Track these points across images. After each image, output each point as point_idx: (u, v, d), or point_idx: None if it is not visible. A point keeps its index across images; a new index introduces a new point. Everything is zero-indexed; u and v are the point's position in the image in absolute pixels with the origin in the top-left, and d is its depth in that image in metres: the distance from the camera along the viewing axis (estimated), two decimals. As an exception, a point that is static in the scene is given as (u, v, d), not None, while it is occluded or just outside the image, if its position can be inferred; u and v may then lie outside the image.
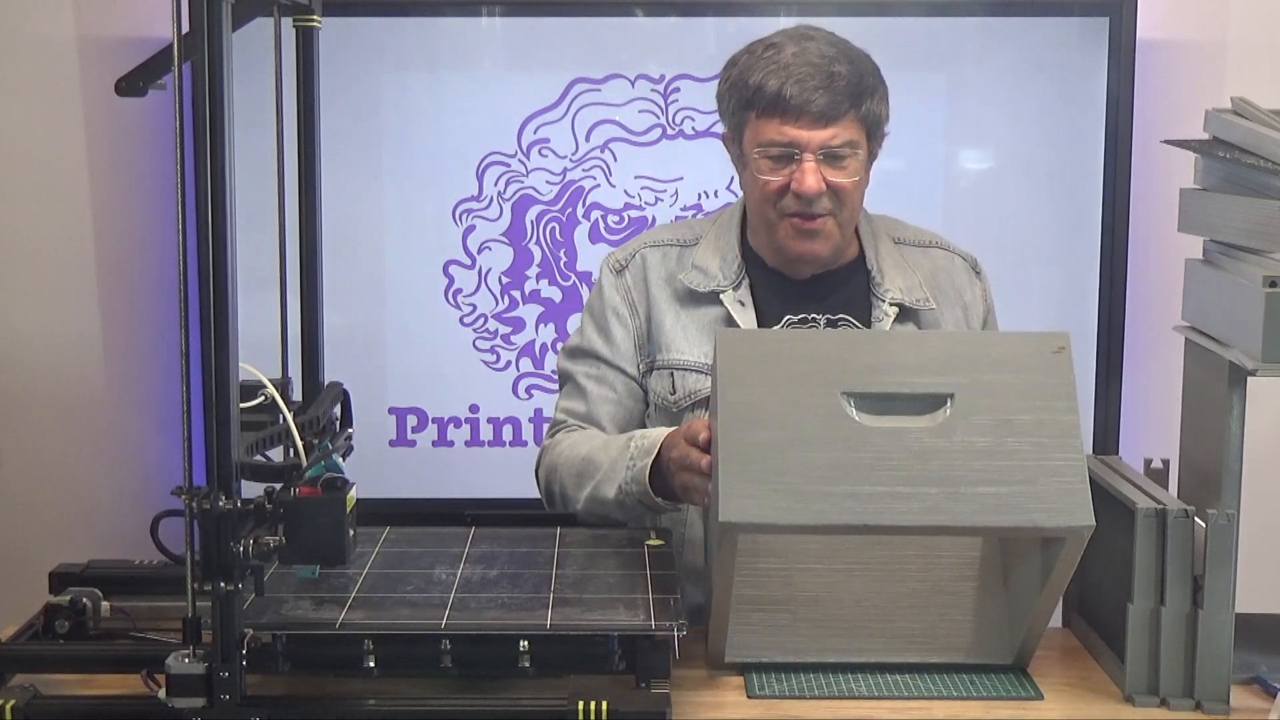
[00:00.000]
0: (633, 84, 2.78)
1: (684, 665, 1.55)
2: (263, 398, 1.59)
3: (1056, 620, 1.75)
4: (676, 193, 2.81)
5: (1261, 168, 1.57)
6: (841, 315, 1.94)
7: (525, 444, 2.84)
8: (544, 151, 2.80)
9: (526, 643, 1.49)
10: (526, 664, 1.49)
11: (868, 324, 1.93)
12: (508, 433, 2.86)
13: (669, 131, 2.79)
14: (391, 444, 2.86)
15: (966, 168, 2.84)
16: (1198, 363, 1.68)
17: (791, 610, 1.66)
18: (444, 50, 2.78)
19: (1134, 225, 2.76)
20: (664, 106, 2.78)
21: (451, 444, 2.86)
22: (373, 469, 2.74)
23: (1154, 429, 2.79)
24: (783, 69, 1.82)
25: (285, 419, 1.55)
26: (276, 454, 1.58)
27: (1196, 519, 1.58)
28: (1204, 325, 1.67)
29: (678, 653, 1.51)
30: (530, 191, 2.81)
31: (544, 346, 2.84)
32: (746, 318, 1.92)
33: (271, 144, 1.68)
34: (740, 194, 2.01)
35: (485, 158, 2.80)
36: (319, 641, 1.50)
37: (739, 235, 1.97)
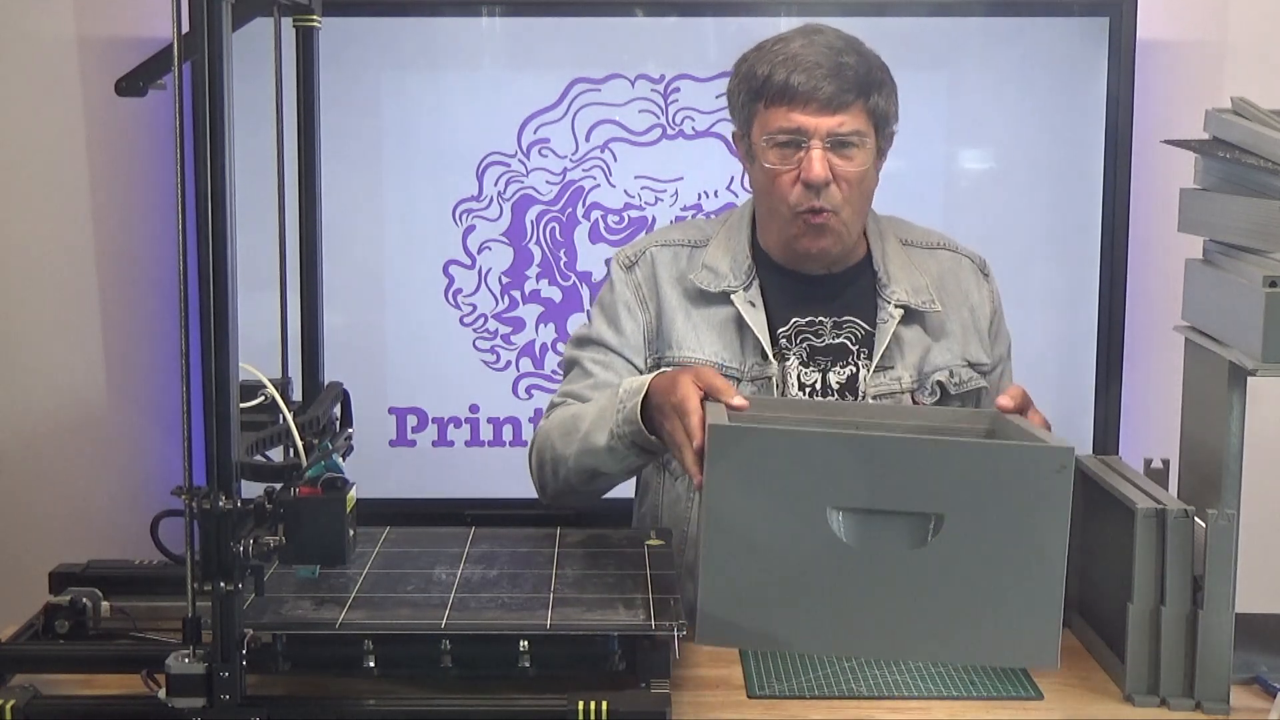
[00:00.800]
0: (633, 84, 2.78)
1: (684, 665, 1.55)
2: (263, 398, 1.58)
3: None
4: (676, 193, 2.81)
5: (1261, 168, 1.57)
6: (848, 317, 1.95)
7: (525, 444, 2.82)
8: (544, 151, 2.80)
9: (526, 643, 1.49)
10: (526, 664, 1.49)
11: (873, 325, 1.94)
12: (508, 433, 2.86)
13: (669, 131, 2.79)
14: (391, 444, 2.86)
15: (967, 167, 2.85)
16: (1198, 363, 1.68)
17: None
18: (444, 50, 2.78)
19: (1134, 225, 2.76)
20: (664, 106, 2.78)
21: (451, 444, 2.86)
22: (373, 469, 2.74)
23: (1154, 429, 2.80)
24: (791, 59, 1.84)
25: (285, 419, 1.55)
26: (276, 454, 1.58)
27: (1196, 519, 1.58)
28: (1204, 325, 1.67)
29: (678, 653, 1.51)
30: (530, 191, 2.81)
31: (544, 346, 2.85)
32: (757, 318, 1.92)
33: (271, 144, 1.68)
34: (748, 193, 2.02)
35: (485, 158, 2.80)
36: (319, 641, 1.50)
37: (749, 235, 1.98)
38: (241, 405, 1.47)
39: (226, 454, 1.38)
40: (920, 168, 2.78)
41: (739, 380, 1.92)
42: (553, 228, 2.81)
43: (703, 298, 1.95)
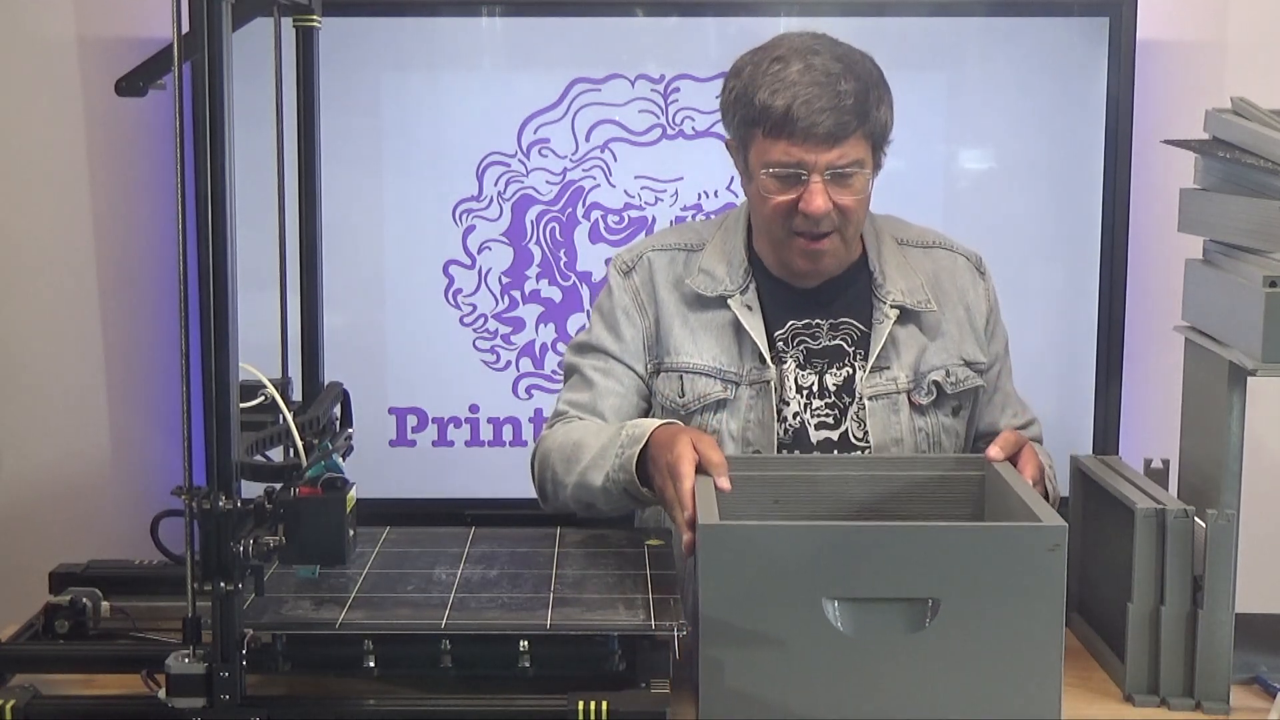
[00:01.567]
0: (633, 84, 2.78)
1: (684, 665, 1.55)
2: (263, 398, 1.58)
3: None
4: (676, 193, 2.81)
5: (1261, 168, 1.57)
6: (844, 319, 1.95)
7: (525, 444, 2.84)
8: (544, 151, 2.80)
9: (526, 643, 1.49)
10: (526, 664, 1.49)
11: (869, 326, 1.94)
12: (508, 433, 2.86)
13: (669, 131, 2.79)
14: (391, 444, 2.86)
15: (967, 168, 2.85)
16: (1198, 363, 1.68)
17: None
18: (444, 50, 2.78)
19: (1134, 225, 2.76)
20: (664, 106, 2.78)
21: (451, 444, 2.86)
22: (373, 469, 2.74)
23: (1154, 429, 2.80)
24: (789, 88, 1.80)
25: (285, 419, 1.55)
26: (276, 454, 1.58)
27: (1196, 519, 1.58)
28: (1204, 325, 1.67)
29: (678, 653, 1.51)
30: (530, 191, 2.81)
31: (544, 346, 2.85)
32: (754, 322, 1.92)
33: (271, 144, 1.68)
34: (742, 196, 2.02)
35: (485, 158, 2.80)
36: (319, 641, 1.50)
37: (744, 240, 1.97)
38: (241, 405, 1.47)
39: (226, 454, 1.38)
40: (920, 168, 2.78)
41: (737, 384, 1.92)
42: (553, 228, 2.81)
43: (700, 302, 1.95)
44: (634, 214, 2.81)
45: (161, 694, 1.43)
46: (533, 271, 2.83)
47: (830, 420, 1.92)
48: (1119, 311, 2.79)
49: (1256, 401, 1.68)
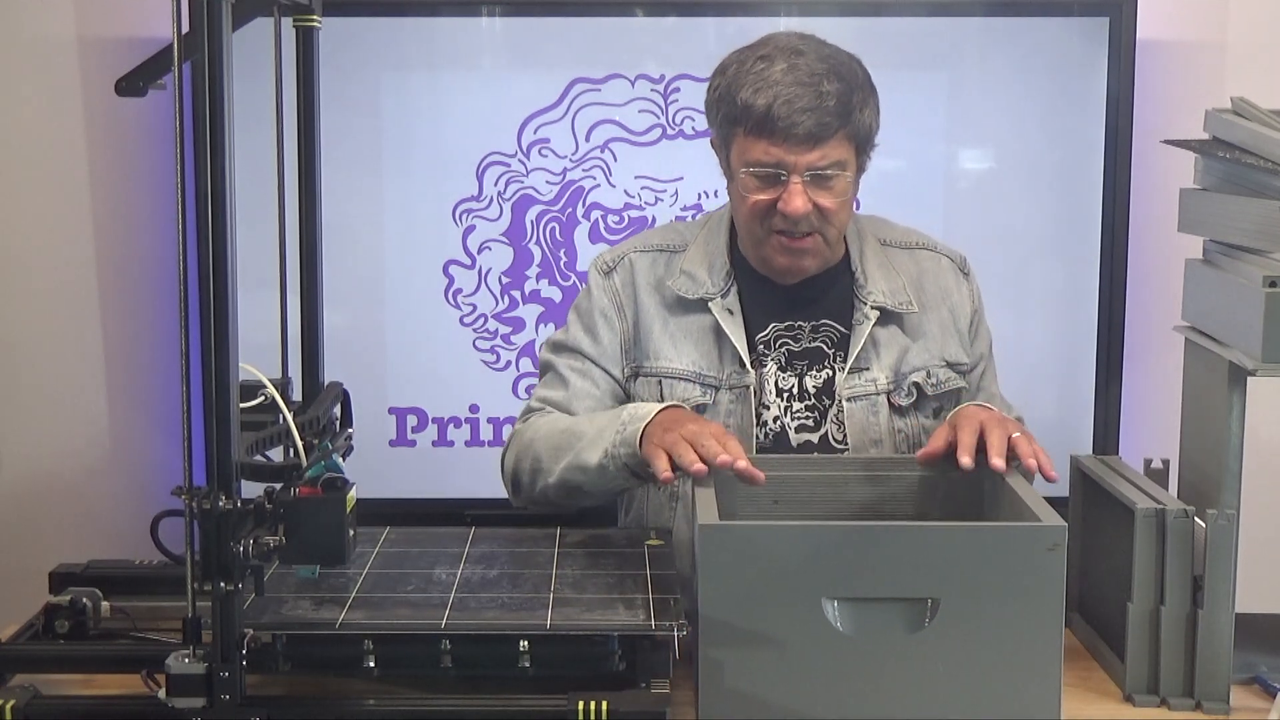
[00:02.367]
0: (633, 84, 2.78)
1: (684, 665, 1.55)
2: (263, 398, 1.58)
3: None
4: (676, 193, 2.81)
5: (1261, 168, 1.57)
6: (824, 320, 1.94)
7: (525, 444, 2.84)
8: (544, 151, 2.80)
9: (526, 643, 1.49)
10: (526, 664, 1.49)
11: (849, 327, 1.93)
12: (508, 433, 2.84)
13: (669, 131, 2.79)
14: (391, 444, 2.86)
15: (966, 168, 2.84)
16: (1198, 363, 1.68)
17: None
18: (444, 50, 2.78)
19: (1134, 225, 2.76)
20: (664, 106, 2.78)
21: (451, 444, 2.86)
22: (373, 469, 2.74)
23: (1154, 429, 2.80)
24: (770, 87, 1.79)
25: (285, 419, 1.55)
26: (276, 454, 1.58)
27: (1196, 519, 1.58)
28: (1204, 325, 1.67)
29: (678, 653, 1.51)
30: (530, 191, 2.81)
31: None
32: (734, 325, 1.91)
33: (271, 144, 1.68)
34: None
35: (485, 158, 2.80)
36: (319, 641, 1.50)
37: (727, 241, 1.97)
38: (241, 405, 1.47)
39: (226, 454, 1.38)
40: (920, 168, 2.78)
41: (717, 389, 1.91)
42: (553, 228, 2.81)
43: (681, 305, 1.94)
44: (634, 214, 2.81)
45: (161, 694, 1.43)
46: (533, 271, 2.83)
47: (810, 423, 1.92)
48: (1119, 311, 2.79)
49: (1256, 401, 1.68)
